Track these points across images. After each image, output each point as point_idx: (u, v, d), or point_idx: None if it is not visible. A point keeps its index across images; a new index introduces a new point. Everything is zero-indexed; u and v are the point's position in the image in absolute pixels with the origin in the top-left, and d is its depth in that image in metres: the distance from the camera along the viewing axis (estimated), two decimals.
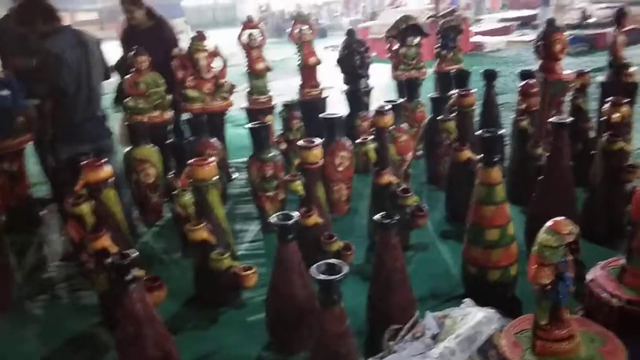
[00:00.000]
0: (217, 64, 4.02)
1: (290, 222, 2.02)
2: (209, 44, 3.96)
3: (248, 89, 4.14)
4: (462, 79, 3.83)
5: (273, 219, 2.06)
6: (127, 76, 3.66)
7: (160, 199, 3.53)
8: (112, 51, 4.28)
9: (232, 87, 3.98)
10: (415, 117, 4.14)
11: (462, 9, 13.77)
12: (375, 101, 3.58)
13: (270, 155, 3.12)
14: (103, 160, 2.41)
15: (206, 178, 2.38)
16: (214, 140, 3.61)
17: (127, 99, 3.65)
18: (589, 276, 1.92)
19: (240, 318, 2.47)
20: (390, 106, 2.96)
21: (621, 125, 2.83)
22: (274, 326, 2.19)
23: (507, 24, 13.42)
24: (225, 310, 2.53)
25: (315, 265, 1.66)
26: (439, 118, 3.36)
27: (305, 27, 4.23)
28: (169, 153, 3.27)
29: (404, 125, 3.60)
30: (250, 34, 4.10)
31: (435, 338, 1.90)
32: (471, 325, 1.86)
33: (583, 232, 2.84)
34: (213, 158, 2.46)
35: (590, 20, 11.80)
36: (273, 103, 4.14)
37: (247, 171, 3.20)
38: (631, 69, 3.79)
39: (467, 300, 2.09)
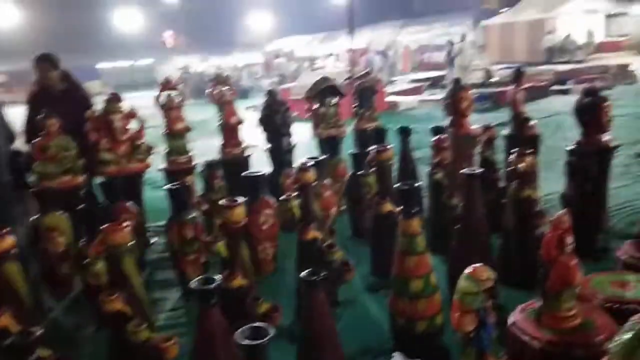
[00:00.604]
0: (134, 126, 3.92)
1: (212, 286, 1.93)
2: (125, 105, 3.88)
3: (167, 150, 4.05)
4: (379, 135, 3.98)
5: (193, 283, 1.96)
6: (35, 140, 3.47)
7: (71, 270, 3.28)
8: (21, 114, 4.07)
9: (150, 148, 3.88)
10: (337, 173, 4.23)
11: (376, 71, 14.60)
12: (298, 159, 3.61)
13: (190, 216, 3.02)
14: (5, 230, 2.22)
15: (120, 244, 2.25)
16: (129, 204, 3.46)
17: (36, 163, 3.44)
18: (510, 320, 1.97)
19: None
20: (312, 162, 3.00)
21: (527, 174, 3.02)
22: None
23: (418, 84, 14.34)
24: None
25: (239, 330, 1.58)
26: (359, 173, 3.45)
27: (225, 87, 4.26)
28: (81, 220, 3.08)
29: (327, 181, 3.65)
30: (169, 95, 4.06)
31: None
32: None
33: (499, 276, 2.96)
34: (127, 222, 2.34)
35: (493, 80, 12.87)
36: (193, 163, 4.07)
37: (166, 235, 3.07)
38: (531, 122, 4.11)
39: (396, 355, 2.08)
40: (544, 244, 1.84)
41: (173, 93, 4.08)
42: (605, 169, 3.59)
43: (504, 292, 2.71)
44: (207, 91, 4.33)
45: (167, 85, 4.08)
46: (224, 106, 4.23)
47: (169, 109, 4.01)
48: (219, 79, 4.31)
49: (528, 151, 2.98)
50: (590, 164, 3.34)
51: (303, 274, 2.06)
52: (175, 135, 4.01)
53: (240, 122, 4.28)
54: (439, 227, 3.33)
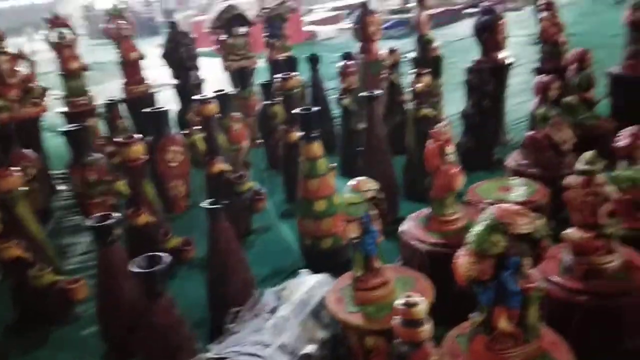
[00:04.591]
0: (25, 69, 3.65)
1: (108, 222, 1.91)
2: (15, 46, 3.58)
3: (64, 92, 3.82)
4: (291, 65, 3.93)
5: (88, 221, 1.94)
6: None
7: None
8: None
9: (44, 90, 3.64)
10: (249, 106, 4.18)
11: None
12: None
13: (91, 158, 2.92)
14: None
15: (11, 189, 2.16)
16: (28, 151, 3.28)
17: None
18: (401, 228, 2.11)
19: (74, 333, 2.29)
20: (215, 95, 2.95)
21: (426, 94, 3.12)
22: (107, 335, 2.07)
23: (337, 12, 14.10)
24: (56, 329, 2.32)
25: (132, 260, 1.60)
26: (268, 103, 3.43)
27: (122, 21, 4.01)
28: None
29: (237, 114, 3.61)
30: (60, 32, 3.77)
31: (273, 311, 1.95)
32: (304, 291, 1.95)
33: (406, 193, 3.11)
34: (18, 168, 2.24)
35: (409, 5, 12.88)
36: (95, 104, 3.87)
37: (69, 180, 2.97)
38: (434, 44, 4.20)
39: (304, 271, 2.18)
40: (426, 155, 1.95)
41: (65, 30, 3.79)
42: (501, 85, 3.78)
43: (411, 206, 2.86)
44: (101, 26, 4.06)
45: (56, 21, 3.77)
46: (122, 41, 3.99)
47: (62, 48, 3.74)
48: (115, 13, 4.03)
49: (425, 71, 3.07)
50: (486, 80, 3.49)
51: (204, 203, 2.08)
52: (71, 75, 3.76)
53: (141, 57, 4.07)
54: (349, 152, 3.41)
